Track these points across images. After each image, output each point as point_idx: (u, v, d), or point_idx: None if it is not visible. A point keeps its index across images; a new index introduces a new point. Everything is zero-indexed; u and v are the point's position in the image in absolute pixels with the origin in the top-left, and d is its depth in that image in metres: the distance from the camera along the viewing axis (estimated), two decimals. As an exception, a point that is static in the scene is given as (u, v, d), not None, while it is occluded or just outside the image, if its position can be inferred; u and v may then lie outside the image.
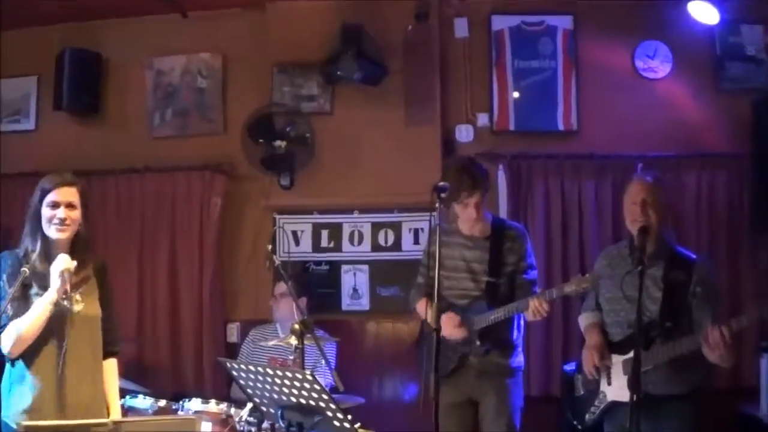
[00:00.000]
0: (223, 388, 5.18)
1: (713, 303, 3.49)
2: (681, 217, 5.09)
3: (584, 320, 3.90)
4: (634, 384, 3.13)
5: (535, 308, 3.71)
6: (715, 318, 3.36)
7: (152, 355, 5.49)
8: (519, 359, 4.07)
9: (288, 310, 4.71)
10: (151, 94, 5.72)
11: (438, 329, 3.25)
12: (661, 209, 3.60)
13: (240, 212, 5.61)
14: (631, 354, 3.39)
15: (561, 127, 5.36)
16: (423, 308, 4.06)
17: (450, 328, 3.91)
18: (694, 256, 3.64)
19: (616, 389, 3.60)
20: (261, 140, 5.31)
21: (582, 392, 3.78)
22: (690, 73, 5.31)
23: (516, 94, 5.41)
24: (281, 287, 4.94)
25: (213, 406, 4.05)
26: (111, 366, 3.49)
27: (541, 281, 4.90)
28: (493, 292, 3.97)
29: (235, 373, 3.07)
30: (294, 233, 5.52)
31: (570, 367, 3.94)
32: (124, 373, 3.80)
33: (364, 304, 5.48)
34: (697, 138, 5.21)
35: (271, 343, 4.45)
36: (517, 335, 4.07)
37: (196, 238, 5.52)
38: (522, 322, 4.07)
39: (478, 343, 3.94)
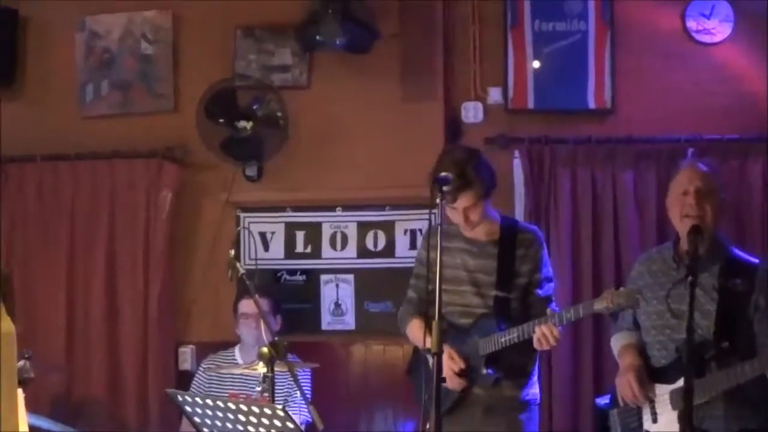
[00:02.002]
0: (172, 426, 5.18)
1: None
2: (743, 215, 5.10)
3: (618, 341, 3.91)
4: (686, 421, 3.10)
5: (541, 335, 3.71)
6: None
7: (85, 386, 5.49)
8: (534, 390, 4.08)
9: (255, 332, 4.70)
10: (83, 63, 5.70)
11: (439, 353, 3.21)
12: (719, 204, 3.61)
13: (196, 209, 5.62)
14: (680, 383, 3.38)
15: (592, 104, 5.37)
16: (416, 332, 4.07)
17: (447, 372, 3.86)
18: (756, 261, 3.65)
19: (664, 427, 3.60)
20: (221, 120, 5.31)
21: (619, 431, 3.77)
22: (756, 35, 5.30)
23: (536, 64, 5.41)
24: (249, 305, 4.91)
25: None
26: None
27: (567, 297, 4.92)
28: (503, 308, 3.96)
29: (188, 408, 3.07)
30: (262, 235, 5.53)
31: (604, 400, 3.94)
32: (50, 410, 3.76)
33: (349, 322, 5.49)
34: (764, 117, 5.19)
35: (234, 371, 4.43)
36: (532, 362, 4.07)
37: (140, 242, 5.53)
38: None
39: (485, 371, 3.93)
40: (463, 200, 3.83)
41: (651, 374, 3.68)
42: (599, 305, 3.63)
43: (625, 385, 3.66)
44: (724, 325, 3.50)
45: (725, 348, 3.46)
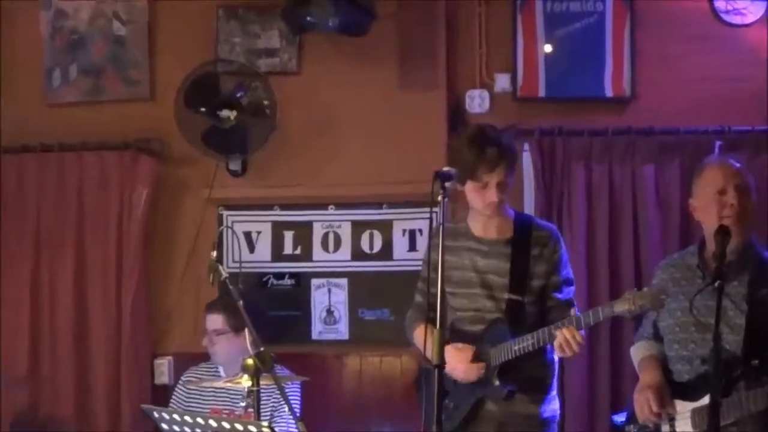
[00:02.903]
0: None
1: None
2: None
3: (639, 352, 3.92)
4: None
5: (564, 340, 3.69)
6: None
7: (51, 402, 5.47)
8: (553, 406, 4.09)
9: (228, 350, 4.74)
10: (49, 45, 5.70)
11: (440, 366, 3.22)
12: (752, 201, 3.63)
13: (174, 207, 5.63)
14: (704, 401, 3.40)
15: (609, 92, 5.38)
16: (422, 337, 4.03)
17: (459, 365, 3.91)
18: None
19: (684, 448, 3.61)
20: (202, 109, 5.31)
21: None
22: (793, 15, 5.35)
23: (548, 49, 5.43)
24: (214, 320, 4.90)
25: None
26: None
27: (582, 303, 4.92)
28: (516, 313, 3.97)
29: (164, 425, 3.07)
30: (247, 235, 5.54)
31: (621, 417, 3.94)
32: (11, 428, 3.76)
33: (342, 331, 5.49)
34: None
35: (215, 384, 4.44)
36: (550, 373, 4.08)
37: (112, 243, 5.52)
38: (556, 357, 4.07)
39: (497, 383, 3.93)
40: (501, 171, 3.87)
41: (673, 390, 3.68)
42: (620, 307, 3.64)
43: (643, 402, 3.66)
44: (755, 341, 3.49)
45: (755, 366, 3.46)
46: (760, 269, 3.61)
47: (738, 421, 3.43)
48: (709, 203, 3.64)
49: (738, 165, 3.68)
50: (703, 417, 3.45)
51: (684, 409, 3.62)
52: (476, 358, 3.94)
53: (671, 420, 3.65)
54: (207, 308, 4.97)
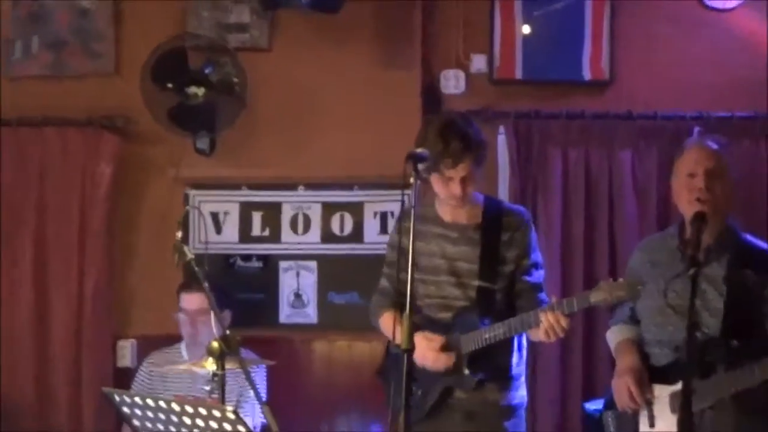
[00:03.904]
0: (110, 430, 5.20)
1: None
2: (756, 202, 5.14)
3: (615, 336, 3.93)
4: (685, 427, 3.10)
5: (549, 325, 3.68)
6: None
7: (11, 384, 5.44)
8: (520, 393, 4.09)
9: (209, 332, 4.64)
10: (9, 16, 5.63)
11: (409, 350, 3.20)
12: (729, 184, 3.65)
13: (139, 186, 5.61)
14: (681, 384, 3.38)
15: (587, 75, 5.41)
16: (389, 324, 4.03)
17: (428, 353, 3.89)
18: None
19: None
20: (169, 85, 5.28)
21: None
22: (775, 0, 5.40)
23: (526, 30, 5.44)
24: (194, 300, 4.90)
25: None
26: None
27: (556, 288, 4.94)
28: (486, 301, 3.96)
29: (125, 408, 3.05)
30: (214, 216, 5.55)
31: (594, 405, 3.96)
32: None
33: (311, 315, 5.51)
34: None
35: (179, 368, 4.44)
36: (519, 361, 4.07)
37: (74, 222, 5.50)
38: (525, 342, 4.08)
39: (467, 371, 3.92)
40: (466, 165, 3.82)
41: (650, 373, 3.70)
42: (596, 297, 3.62)
43: (622, 388, 3.67)
44: (734, 323, 3.51)
45: (734, 348, 3.48)
46: (738, 252, 3.63)
47: (716, 404, 3.46)
48: (681, 187, 3.67)
49: (714, 147, 3.68)
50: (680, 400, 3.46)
51: (662, 393, 3.63)
52: (446, 347, 3.94)
53: (649, 404, 3.66)
54: (185, 287, 4.96)
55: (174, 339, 5.19)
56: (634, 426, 3.70)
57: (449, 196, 3.92)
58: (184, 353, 5.05)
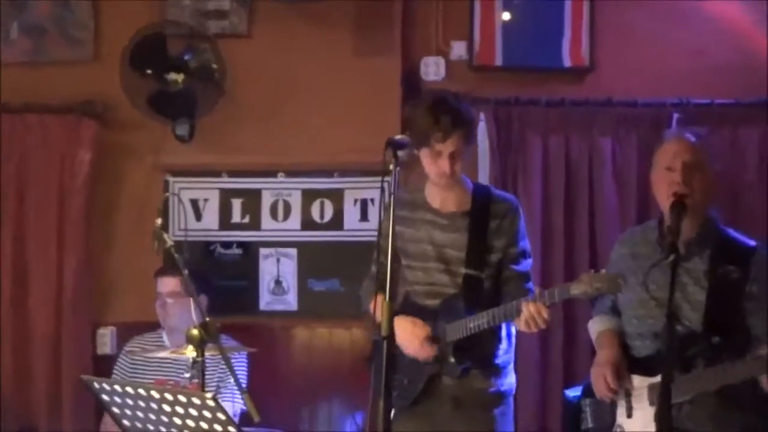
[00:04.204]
0: (90, 420, 5.19)
1: None
2: (736, 190, 5.16)
3: (596, 326, 3.93)
4: (663, 419, 3.12)
5: (530, 316, 3.69)
6: None
7: (-13, 375, 5.44)
8: (509, 380, 4.09)
9: (182, 315, 4.68)
10: (-11, 2, 5.63)
11: (389, 337, 3.20)
12: (710, 179, 3.61)
13: (118, 173, 5.60)
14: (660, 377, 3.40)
15: (567, 62, 5.41)
16: (377, 309, 4.03)
17: (414, 341, 3.90)
18: (752, 243, 3.67)
19: (639, 424, 3.62)
20: (149, 72, 5.27)
21: (591, 425, 3.81)
22: (758, -13, 5.41)
23: (506, 16, 5.43)
24: (168, 283, 4.93)
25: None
26: None
27: (537, 274, 4.96)
28: (473, 289, 3.96)
29: (105, 396, 3.03)
30: (194, 203, 5.54)
31: (574, 392, 3.96)
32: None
33: (291, 302, 5.51)
34: (763, 79, 5.24)
35: (159, 354, 4.44)
36: (507, 348, 4.08)
37: (53, 209, 5.48)
38: (513, 330, 4.09)
39: (452, 360, 3.93)
40: (455, 140, 3.84)
41: (630, 365, 3.70)
42: (576, 289, 3.61)
43: (600, 378, 3.67)
44: (715, 318, 3.51)
45: (715, 343, 3.48)
46: (720, 245, 3.62)
47: (694, 399, 3.46)
48: (660, 180, 3.64)
49: (693, 140, 3.65)
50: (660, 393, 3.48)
51: (641, 384, 3.63)
52: (431, 338, 3.94)
53: (628, 395, 3.66)
54: (161, 271, 4.98)
55: (153, 325, 5.18)
56: (611, 415, 3.71)
57: (438, 174, 3.92)
58: (166, 339, 5.06)
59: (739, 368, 3.39)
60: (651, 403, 3.57)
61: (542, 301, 3.67)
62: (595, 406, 3.77)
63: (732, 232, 3.71)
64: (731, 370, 3.41)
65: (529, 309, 3.67)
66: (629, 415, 3.66)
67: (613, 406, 3.70)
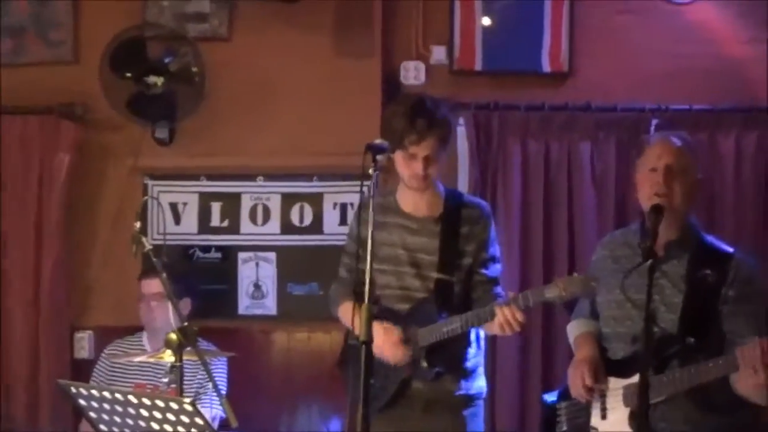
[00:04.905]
0: (68, 424, 5.19)
1: (755, 312, 3.52)
2: (713, 195, 5.16)
3: (575, 329, 3.94)
4: (638, 420, 3.14)
5: (504, 319, 3.70)
6: (760, 333, 3.37)
7: (-34, 375, 5.41)
8: (479, 383, 4.10)
9: (167, 317, 4.66)
10: (-32, 3, 5.61)
11: (367, 343, 3.21)
12: (692, 184, 3.62)
13: (97, 175, 5.58)
14: (636, 378, 3.41)
15: (547, 67, 5.41)
16: (348, 314, 4.02)
17: (386, 346, 3.90)
18: (730, 250, 3.67)
19: (613, 425, 3.63)
20: (128, 74, 5.26)
21: (565, 428, 3.82)
22: (735, -7, 5.41)
23: (486, 21, 5.43)
24: (152, 285, 4.91)
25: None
26: None
27: (516, 279, 4.96)
28: (444, 293, 3.97)
29: (83, 401, 3.02)
30: (173, 206, 5.53)
31: (552, 396, 3.97)
32: None
33: (270, 306, 5.50)
34: (741, 84, 5.29)
35: (137, 359, 4.42)
36: (476, 352, 4.09)
37: (31, 211, 5.47)
38: (482, 334, 4.10)
39: (425, 364, 3.93)
40: (430, 143, 3.84)
41: (607, 367, 3.70)
42: (551, 293, 3.64)
43: (577, 377, 3.68)
44: (691, 320, 3.51)
45: (690, 344, 3.49)
46: (699, 250, 3.62)
47: (668, 399, 3.47)
48: (642, 180, 3.66)
49: (678, 143, 3.66)
50: (635, 394, 3.49)
51: (616, 385, 3.64)
52: (403, 339, 3.94)
53: (602, 396, 3.67)
54: (145, 273, 4.96)
55: (132, 330, 5.18)
56: (586, 417, 3.72)
57: (411, 177, 3.92)
58: (146, 343, 5.04)
59: (712, 368, 3.41)
60: (625, 405, 3.59)
61: (516, 304, 3.69)
62: (570, 409, 3.78)
63: (711, 238, 3.72)
64: (704, 370, 3.42)
65: (503, 313, 3.69)
66: (603, 417, 3.67)
67: (588, 408, 3.71)
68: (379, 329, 3.84)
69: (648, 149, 3.69)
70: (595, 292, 3.66)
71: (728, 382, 3.40)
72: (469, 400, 4.03)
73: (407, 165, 3.89)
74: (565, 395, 3.81)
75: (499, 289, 3.98)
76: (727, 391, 3.43)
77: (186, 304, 4.96)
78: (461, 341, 3.98)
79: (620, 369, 3.65)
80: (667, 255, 3.53)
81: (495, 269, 4.04)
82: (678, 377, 3.47)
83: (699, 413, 3.51)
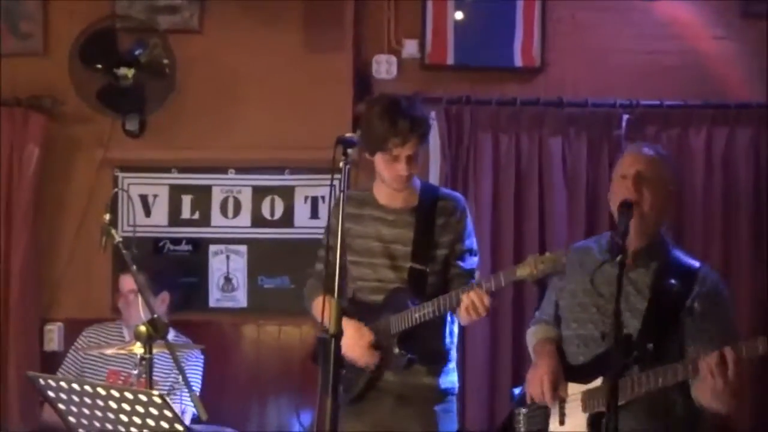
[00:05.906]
0: (37, 417, 5.16)
1: (717, 328, 3.49)
2: (683, 192, 5.12)
3: (534, 335, 3.90)
4: (608, 417, 3.13)
5: (470, 303, 3.70)
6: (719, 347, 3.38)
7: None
8: (452, 378, 4.09)
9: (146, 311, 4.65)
10: (-65, -6, 5.55)
11: (337, 335, 3.21)
12: (662, 193, 3.58)
13: (66, 168, 5.57)
14: (596, 383, 3.45)
15: (519, 62, 5.43)
16: (319, 309, 3.99)
17: (356, 348, 3.90)
18: (697, 264, 3.67)
19: (571, 430, 3.60)
20: (98, 66, 5.25)
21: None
22: (705, -11, 5.44)
23: (458, 15, 5.45)
24: (129, 280, 4.88)
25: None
26: None
27: (486, 273, 4.94)
28: (418, 282, 3.96)
29: (51, 393, 2.99)
30: (143, 199, 5.51)
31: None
32: None
33: (240, 299, 5.49)
34: (712, 81, 5.32)
35: (109, 351, 4.40)
36: (450, 345, 4.08)
37: (1, 203, 5.44)
38: (455, 328, 4.09)
39: (397, 350, 3.92)
40: (413, 144, 3.84)
41: (566, 372, 3.67)
42: (522, 271, 3.63)
43: (537, 382, 3.64)
44: (652, 327, 3.51)
45: (650, 350, 3.48)
46: (666, 262, 3.61)
47: (629, 403, 3.46)
48: (614, 188, 3.62)
49: (650, 153, 3.63)
50: (595, 399, 3.48)
51: (575, 391, 3.61)
52: (374, 344, 3.93)
53: (562, 402, 3.64)
54: (122, 269, 4.94)
55: (101, 321, 5.18)
56: (543, 423, 3.69)
57: (393, 178, 3.91)
58: (126, 332, 5.03)
59: (670, 373, 3.41)
60: (584, 410, 3.55)
61: (487, 287, 3.69)
62: (528, 415, 3.75)
63: (679, 252, 3.69)
64: (662, 375, 3.42)
65: (469, 296, 3.68)
66: (561, 422, 3.63)
67: (546, 413, 3.68)
68: (351, 330, 3.83)
69: (621, 159, 3.70)
70: (565, 270, 3.64)
71: (686, 389, 3.41)
72: (442, 394, 4.02)
73: (390, 167, 3.89)
74: (522, 399, 3.78)
75: (474, 282, 3.96)
76: (684, 398, 3.43)
77: (164, 298, 4.95)
78: (435, 329, 3.96)
79: (580, 374, 3.62)
80: (634, 263, 3.52)
81: (471, 262, 4.04)
82: (637, 382, 3.46)
83: (656, 419, 3.49)
